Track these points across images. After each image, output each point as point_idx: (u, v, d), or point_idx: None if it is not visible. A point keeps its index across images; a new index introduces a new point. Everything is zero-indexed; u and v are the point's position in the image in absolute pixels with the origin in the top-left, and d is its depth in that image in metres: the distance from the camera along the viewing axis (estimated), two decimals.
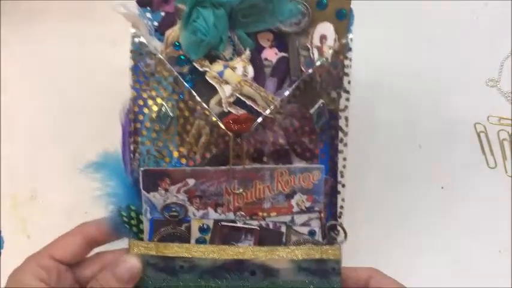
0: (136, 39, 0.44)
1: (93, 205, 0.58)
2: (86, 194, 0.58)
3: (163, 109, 0.45)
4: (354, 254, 0.50)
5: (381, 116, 0.63)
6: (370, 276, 0.46)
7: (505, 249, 0.60)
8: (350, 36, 0.45)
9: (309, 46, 0.45)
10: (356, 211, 0.52)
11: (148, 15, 0.45)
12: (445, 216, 0.61)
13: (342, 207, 0.47)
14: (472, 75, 0.64)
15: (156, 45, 0.45)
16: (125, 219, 0.46)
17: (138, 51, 0.44)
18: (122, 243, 0.48)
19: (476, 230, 0.60)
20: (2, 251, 0.60)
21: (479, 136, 0.63)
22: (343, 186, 0.47)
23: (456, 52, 0.65)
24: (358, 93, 0.58)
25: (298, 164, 0.46)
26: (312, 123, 0.45)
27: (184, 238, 0.46)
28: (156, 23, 0.45)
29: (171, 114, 0.44)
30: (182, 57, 0.45)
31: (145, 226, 0.46)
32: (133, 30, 0.44)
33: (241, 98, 0.45)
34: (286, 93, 0.45)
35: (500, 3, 0.65)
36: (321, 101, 0.45)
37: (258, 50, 0.45)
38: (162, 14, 0.45)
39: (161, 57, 0.44)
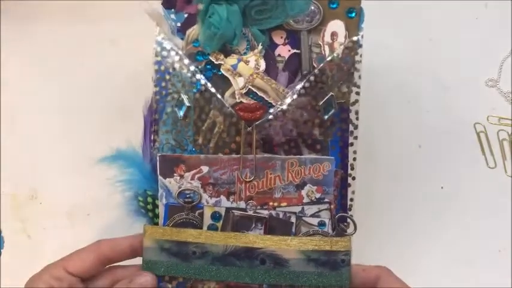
0: (160, 37, 0.48)
1: (94, 206, 0.60)
2: (86, 194, 0.61)
3: (180, 99, 0.47)
4: (354, 254, 0.50)
5: (380, 116, 0.63)
6: (378, 276, 0.45)
7: (505, 249, 0.59)
8: (361, 33, 0.47)
9: (321, 43, 0.47)
10: (355, 211, 0.51)
11: (172, 16, 0.49)
12: (444, 216, 0.60)
13: (352, 199, 0.47)
14: (472, 75, 0.64)
15: (177, 43, 0.49)
16: (142, 203, 0.48)
17: (161, 48, 0.48)
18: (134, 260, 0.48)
19: (476, 230, 0.60)
20: (2, 251, 0.61)
21: (479, 136, 0.62)
22: (354, 178, 0.47)
23: (456, 52, 0.65)
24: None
25: (308, 155, 0.47)
26: (321, 115, 0.46)
27: (197, 224, 0.47)
28: (179, 24, 0.49)
29: (187, 103, 0.47)
30: (200, 53, 0.48)
31: (161, 211, 0.48)
32: (157, 29, 0.48)
33: (253, 89, 0.47)
34: (298, 86, 0.47)
35: (500, 3, 0.65)
36: (330, 93, 0.46)
37: (271, 47, 0.48)
38: (185, 15, 0.49)
39: (181, 53, 0.48)
